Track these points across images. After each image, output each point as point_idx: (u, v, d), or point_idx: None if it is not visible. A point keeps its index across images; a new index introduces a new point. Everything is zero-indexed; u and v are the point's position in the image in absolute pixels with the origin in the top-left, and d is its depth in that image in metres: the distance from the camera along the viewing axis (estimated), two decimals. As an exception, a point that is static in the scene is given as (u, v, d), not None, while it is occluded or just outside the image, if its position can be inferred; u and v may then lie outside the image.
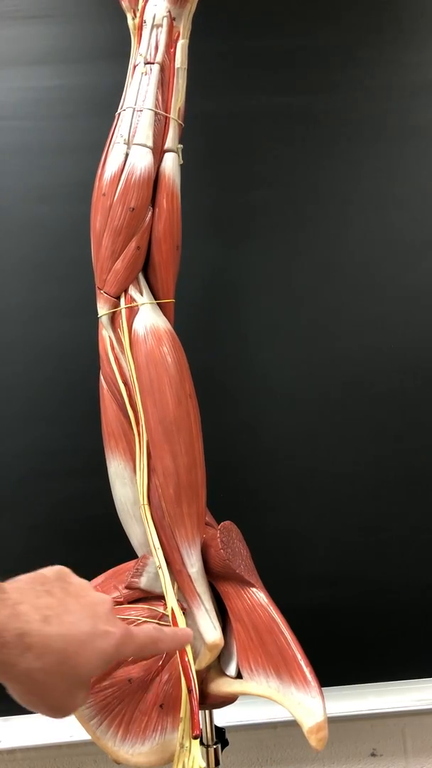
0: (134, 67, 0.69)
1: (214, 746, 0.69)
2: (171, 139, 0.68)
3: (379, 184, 0.96)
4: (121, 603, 0.63)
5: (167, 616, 0.61)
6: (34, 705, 0.41)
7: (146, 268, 0.67)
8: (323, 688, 0.54)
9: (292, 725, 0.54)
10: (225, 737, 0.70)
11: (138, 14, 0.70)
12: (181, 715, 0.57)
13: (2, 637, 0.37)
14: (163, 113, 0.68)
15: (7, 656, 0.38)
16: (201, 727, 0.64)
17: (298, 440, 0.93)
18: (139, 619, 0.62)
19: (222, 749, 0.70)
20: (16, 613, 0.39)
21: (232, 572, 0.60)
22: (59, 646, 0.40)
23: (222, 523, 0.62)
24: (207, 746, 0.69)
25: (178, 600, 0.60)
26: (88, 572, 0.65)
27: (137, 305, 0.65)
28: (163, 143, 0.67)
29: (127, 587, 0.63)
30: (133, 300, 0.65)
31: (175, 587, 0.61)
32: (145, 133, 0.66)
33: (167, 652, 0.56)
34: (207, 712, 0.69)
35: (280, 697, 0.55)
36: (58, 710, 0.42)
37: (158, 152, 0.67)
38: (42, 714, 0.41)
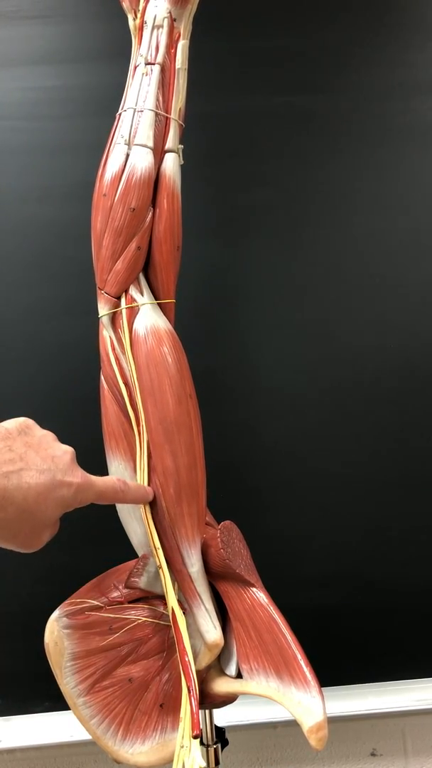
0: (135, 67, 0.69)
1: (214, 746, 0.69)
2: (172, 140, 0.68)
3: (380, 184, 0.96)
4: (121, 602, 0.63)
5: (167, 615, 0.61)
6: (3, 544, 0.46)
7: (147, 268, 0.67)
8: (323, 688, 0.54)
9: (292, 725, 0.54)
10: (225, 737, 0.71)
11: (139, 15, 0.70)
12: (181, 714, 0.57)
13: None
14: (164, 114, 0.68)
15: None
16: (201, 726, 0.64)
17: (299, 440, 0.93)
18: (139, 619, 0.62)
19: (222, 749, 0.70)
20: None
21: (232, 572, 0.60)
22: (19, 498, 0.44)
23: (222, 523, 0.62)
24: (207, 746, 0.69)
25: (178, 600, 0.60)
26: (88, 572, 0.65)
27: (138, 305, 0.65)
28: (164, 144, 0.67)
29: (127, 587, 0.63)
30: (133, 300, 0.65)
31: (176, 587, 0.61)
32: (145, 134, 0.66)
33: (130, 502, 0.61)
34: (207, 711, 0.69)
35: (280, 696, 0.55)
36: (26, 547, 0.48)
37: (159, 153, 0.67)
38: (13, 549, 0.47)
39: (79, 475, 0.50)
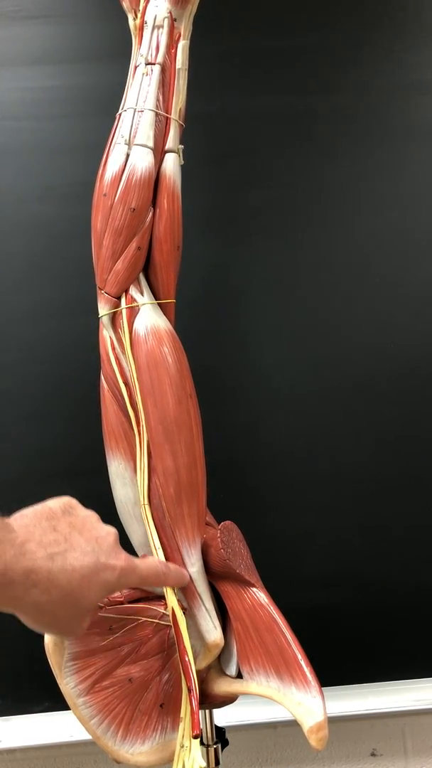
0: (135, 67, 0.69)
1: (214, 746, 0.69)
2: (172, 140, 0.68)
3: (380, 184, 0.96)
4: (121, 602, 0.63)
5: (167, 615, 0.61)
6: (43, 630, 0.45)
7: (147, 268, 0.67)
8: (323, 688, 0.54)
9: (292, 725, 0.54)
10: (225, 737, 0.71)
11: (139, 15, 0.70)
12: (182, 714, 0.57)
13: (10, 575, 0.40)
14: (164, 114, 0.68)
15: (15, 592, 0.41)
16: (201, 726, 0.64)
17: (299, 440, 0.93)
18: (139, 619, 0.62)
19: (222, 749, 0.70)
20: (23, 551, 0.41)
21: (233, 572, 0.60)
22: (63, 581, 0.43)
23: (222, 523, 0.62)
24: (207, 746, 0.69)
25: (178, 599, 0.60)
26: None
27: (138, 305, 0.65)
28: (164, 144, 0.67)
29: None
30: (133, 300, 0.65)
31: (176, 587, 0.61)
32: (146, 134, 0.66)
33: (171, 585, 0.59)
34: (207, 711, 0.69)
35: (280, 696, 0.55)
36: (66, 633, 0.46)
37: (159, 153, 0.67)
38: (54, 635, 0.47)
39: (122, 558, 0.48)
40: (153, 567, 0.52)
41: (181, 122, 0.70)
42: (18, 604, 0.42)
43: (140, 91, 0.67)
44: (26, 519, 0.44)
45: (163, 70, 0.68)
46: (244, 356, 0.94)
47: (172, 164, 0.67)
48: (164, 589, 0.60)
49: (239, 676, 0.60)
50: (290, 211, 0.95)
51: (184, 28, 0.71)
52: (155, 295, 0.67)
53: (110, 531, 0.49)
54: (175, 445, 0.62)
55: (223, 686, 0.61)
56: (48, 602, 0.42)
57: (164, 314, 0.67)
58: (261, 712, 0.91)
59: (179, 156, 0.69)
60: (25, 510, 0.45)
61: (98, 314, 0.67)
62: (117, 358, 0.65)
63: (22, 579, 0.41)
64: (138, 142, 0.66)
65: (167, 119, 0.68)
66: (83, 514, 0.48)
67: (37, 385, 0.91)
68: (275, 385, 0.93)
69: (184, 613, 0.60)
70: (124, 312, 0.65)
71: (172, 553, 0.61)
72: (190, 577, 0.61)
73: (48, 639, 0.61)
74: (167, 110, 0.68)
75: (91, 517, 0.49)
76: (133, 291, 0.66)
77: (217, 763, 0.69)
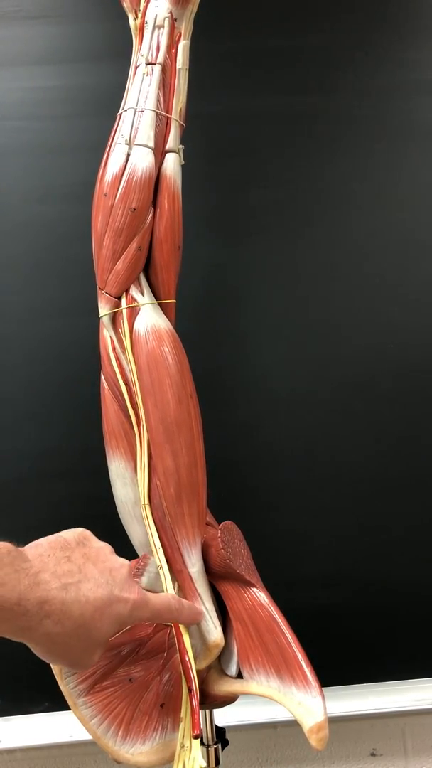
0: (136, 67, 0.69)
1: (215, 746, 0.69)
2: (172, 140, 0.68)
3: (380, 184, 0.96)
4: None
5: (168, 615, 0.61)
6: (53, 661, 0.45)
7: (147, 268, 0.67)
8: (323, 688, 0.54)
9: (292, 725, 0.54)
10: (225, 737, 0.70)
11: (139, 15, 0.70)
12: (182, 714, 0.57)
13: (24, 605, 0.40)
14: (165, 114, 0.68)
15: (28, 622, 0.40)
16: (201, 726, 0.64)
17: (299, 440, 0.93)
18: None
19: (222, 749, 0.70)
20: (37, 582, 0.41)
21: (233, 572, 0.60)
22: (77, 613, 0.42)
23: (222, 523, 0.62)
24: (207, 746, 0.69)
25: (178, 600, 0.60)
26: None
27: (138, 305, 0.65)
28: (165, 144, 0.67)
29: (127, 587, 0.63)
30: (134, 300, 0.65)
31: (176, 587, 0.61)
32: (146, 134, 0.66)
33: (183, 623, 0.58)
34: (207, 711, 0.69)
35: (280, 696, 0.55)
36: (76, 665, 0.46)
37: (159, 153, 0.67)
38: (63, 667, 0.47)
39: (135, 591, 0.48)
40: (165, 602, 0.52)
41: (181, 122, 0.70)
42: (31, 635, 0.41)
43: (141, 91, 0.67)
44: (41, 549, 0.44)
45: (163, 70, 0.68)
46: (244, 356, 0.94)
47: (172, 164, 0.67)
48: (165, 589, 0.60)
49: (239, 676, 0.60)
50: (290, 211, 0.95)
51: (185, 28, 0.71)
52: (155, 295, 0.67)
53: (124, 563, 0.49)
54: (175, 445, 0.62)
55: (223, 686, 0.61)
56: (60, 633, 0.42)
57: (165, 314, 0.67)
58: (261, 712, 0.91)
59: (180, 156, 0.69)
60: (39, 540, 0.45)
61: (99, 314, 0.67)
62: (117, 358, 0.65)
63: (36, 609, 0.41)
64: (138, 142, 0.66)
65: (168, 119, 0.68)
66: (97, 545, 0.48)
67: (38, 385, 0.91)
68: (275, 385, 0.93)
69: (184, 613, 0.60)
70: (124, 312, 0.65)
71: (172, 553, 0.61)
72: (191, 576, 0.61)
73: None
74: (168, 110, 0.68)
75: (105, 548, 0.48)
76: (133, 291, 0.66)
77: (217, 763, 0.69)
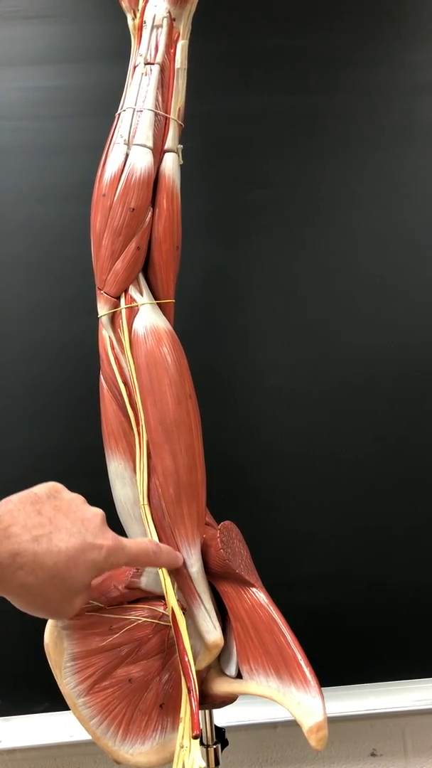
0: (134, 67, 0.69)
1: (214, 746, 0.69)
2: (171, 140, 0.68)
3: (380, 184, 0.96)
4: (121, 603, 0.63)
5: (167, 615, 0.61)
6: (35, 612, 0.45)
7: (146, 268, 0.67)
8: (323, 688, 0.54)
9: (292, 725, 0.54)
10: (225, 737, 0.71)
11: (138, 15, 0.70)
12: (181, 714, 0.57)
13: None
14: (163, 114, 0.68)
15: (2, 575, 0.42)
16: (201, 727, 0.64)
17: (299, 440, 0.93)
18: (139, 620, 0.62)
19: (222, 749, 0.70)
20: (7, 535, 0.43)
21: (232, 572, 0.60)
22: (49, 563, 0.43)
23: (222, 523, 0.62)
24: (207, 746, 0.69)
25: (178, 600, 0.60)
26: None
27: (137, 305, 0.65)
28: (163, 144, 0.67)
29: (127, 587, 0.63)
30: (133, 300, 0.65)
31: (175, 587, 0.61)
32: (145, 134, 0.66)
33: (162, 566, 0.59)
34: (207, 712, 0.69)
35: (280, 696, 0.55)
36: (58, 614, 0.47)
37: (158, 153, 0.67)
38: (46, 617, 0.47)
39: (109, 538, 0.49)
40: (143, 546, 0.53)
41: (180, 122, 0.70)
42: (7, 587, 0.43)
43: (139, 91, 0.67)
44: (10, 504, 0.45)
45: (162, 70, 0.68)
46: (243, 356, 0.94)
47: (171, 164, 0.67)
48: (164, 590, 0.60)
49: (239, 676, 0.60)
50: (290, 211, 0.95)
51: (183, 28, 0.71)
52: (154, 295, 0.67)
53: (96, 512, 0.49)
54: (174, 445, 0.62)
55: (222, 686, 0.61)
56: (35, 584, 0.43)
57: (164, 314, 0.66)
58: (261, 712, 0.91)
59: (178, 156, 0.69)
60: (9, 497, 0.46)
61: (97, 314, 0.67)
62: (116, 358, 0.65)
63: (8, 562, 0.42)
64: (137, 141, 0.66)
65: (166, 119, 0.68)
66: (69, 497, 0.49)
67: (36, 384, 0.91)
68: (275, 384, 0.93)
69: (183, 613, 0.60)
70: (123, 312, 0.65)
71: (171, 553, 0.61)
72: (190, 577, 0.61)
73: (48, 639, 0.61)
74: (166, 110, 0.68)
75: (76, 499, 0.49)
76: (132, 291, 0.66)
77: (217, 763, 0.69)
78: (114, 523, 0.65)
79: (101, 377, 0.67)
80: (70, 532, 0.46)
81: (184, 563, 0.61)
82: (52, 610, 0.46)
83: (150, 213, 0.66)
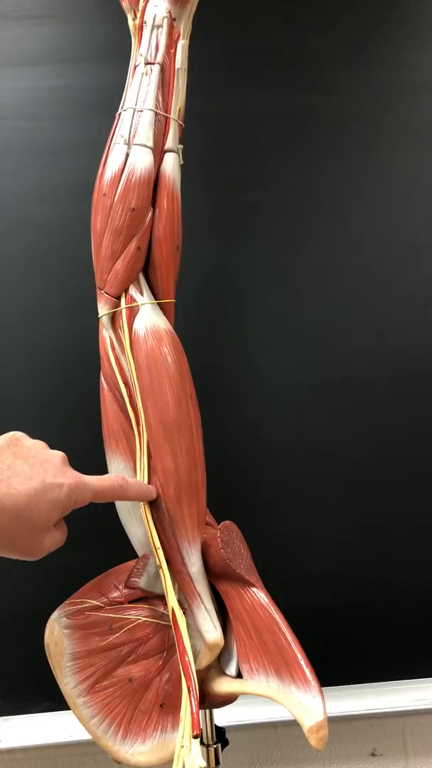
0: (134, 67, 0.69)
1: (215, 746, 0.69)
2: (171, 140, 0.68)
3: (380, 184, 0.96)
4: (121, 602, 0.63)
5: (167, 615, 0.61)
6: (5, 552, 0.47)
7: (146, 268, 0.67)
8: (323, 688, 0.54)
9: (292, 725, 0.54)
10: (225, 737, 0.71)
11: (138, 15, 0.70)
12: (182, 714, 0.57)
13: None
14: (164, 114, 0.68)
15: None
16: (201, 726, 0.64)
17: (299, 440, 0.93)
18: (139, 619, 0.62)
19: (222, 749, 0.70)
20: None
21: (233, 572, 0.60)
22: (10, 504, 0.45)
23: (222, 523, 0.62)
24: (207, 746, 0.69)
25: (178, 600, 0.60)
26: (88, 572, 0.65)
27: (138, 305, 0.65)
28: (164, 143, 0.67)
29: (127, 587, 0.63)
30: (133, 300, 0.65)
31: (176, 587, 0.61)
32: (145, 134, 0.66)
33: (133, 500, 0.61)
34: (207, 711, 0.69)
35: (280, 696, 0.55)
36: (28, 553, 0.48)
37: (158, 152, 0.67)
38: (17, 557, 0.48)
39: (70, 476, 0.50)
40: (108, 481, 0.54)
41: (180, 122, 0.70)
42: None
43: (140, 91, 0.67)
44: None
45: (162, 70, 0.68)
46: (243, 356, 0.94)
47: (171, 164, 0.67)
48: (164, 589, 0.60)
49: (239, 676, 0.60)
50: (290, 211, 0.95)
51: (184, 28, 0.71)
52: (155, 295, 0.67)
53: (56, 454, 0.51)
54: (175, 446, 0.62)
55: (223, 686, 0.61)
56: None
57: (164, 314, 0.66)
58: (261, 712, 0.91)
59: (179, 156, 0.69)
60: None
61: (98, 314, 0.67)
62: (117, 358, 0.65)
63: None
64: (137, 141, 0.66)
65: (167, 119, 0.68)
66: (28, 443, 0.50)
67: (37, 385, 0.91)
68: (275, 384, 0.93)
69: (184, 613, 0.60)
70: (123, 312, 0.65)
71: (172, 553, 0.61)
72: (191, 576, 0.61)
73: (48, 639, 0.61)
74: (167, 110, 0.68)
75: (36, 445, 0.51)
76: (132, 291, 0.66)
77: (217, 763, 0.69)
78: (114, 522, 0.66)
79: (101, 377, 0.67)
80: (29, 475, 0.47)
81: (184, 563, 0.61)
82: (21, 549, 0.48)
83: (150, 213, 0.66)
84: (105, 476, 0.55)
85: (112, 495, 0.55)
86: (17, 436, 0.50)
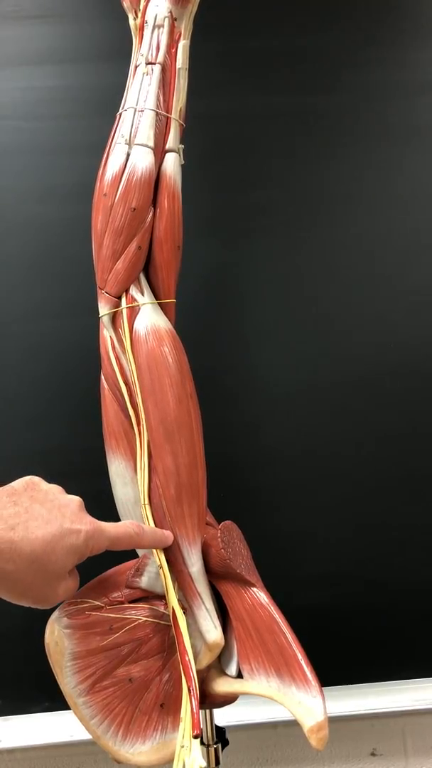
0: (135, 67, 0.69)
1: (215, 746, 0.69)
2: (172, 140, 0.68)
3: (380, 184, 0.96)
4: (121, 602, 0.63)
5: (168, 615, 0.61)
6: (17, 599, 0.46)
7: (147, 268, 0.67)
8: (323, 688, 0.54)
9: (293, 725, 0.54)
10: (225, 737, 0.71)
11: (139, 14, 0.70)
12: (182, 714, 0.57)
13: None
14: (165, 113, 0.68)
15: None
16: (201, 726, 0.64)
17: (299, 440, 0.93)
18: (140, 619, 0.62)
19: (222, 749, 0.70)
20: None
21: (233, 572, 0.60)
22: (27, 550, 0.44)
23: (222, 523, 0.62)
24: (207, 746, 0.69)
25: (178, 599, 0.60)
26: (88, 571, 0.65)
27: (138, 305, 0.65)
28: (165, 143, 0.67)
29: (127, 587, 0.63)
30: (134, 300, 0.65)
31: (176, 587, 0.61)
32: (146, 134, 0.66)
33: (148, 547, 0.60)
34: (207, 711, 0.69)
35: (280, 696, 0.55)
36: (41, 601, 0.47)
37: (159, 152, 0.67)
38: (29, 605, 0.47)
39: (87, 522, 0.50)
40: (123, 529, 0.53)
41: (181, 122, 0.70)
42: None
43: (140, 91, 0.67)
44: None
45: (163, 70, 0.68)
46: (244, 356, 0.94)
47: (172, 164, 0.67)
48: (165, 589, 0.60)
49: (239, 675, 0.60)
50: (290, 211, 0.95)
51: (185, 28, 0.71)
52: (155, 294, 0.67)
53: (73, 499, 0.51)
54: (175, 445, 0.62)
55: (223, 686, 0.61)
56: (14, 570, 0.44)
57: (165, 314, 0.66)
58: (261, 712, 0.91)
59: (180, 156, 0.69)
60: None
61: (98, 314, 0.67)
62: (117, 358, 0.65)
63: None
64: (138, 141, 0.66)
65: (167, 119, 0.68)
66: (45, 488, 0.50)
67: (37, 385, 0.91)
68: (275, 384, 0.93)
69: (184, 612, 0.60)
70: (124, 312, 0.65)
71: (172, 553, 0.61)
72: (191, 576, 0.61)
73: (48, 639, 0.61)
74: (168, 110, 0.68)
75: (53, 489, 0.50)
76: (133, 291, 0.66)
77: (217, 763, 0.69)
78: (115, 521, 0.65)
79: (102, 377, 0.67)
80: (46, 520, 0.46)
81: (185, 563, 0.61)
82: (35, 597, 0.47)
83: (151, 213, 0.66)
84: (121, 523, 0.54)
85: (128, 542, 0.54)
86: (34, 481, 0.50)
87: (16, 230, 0.93)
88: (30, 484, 0.49)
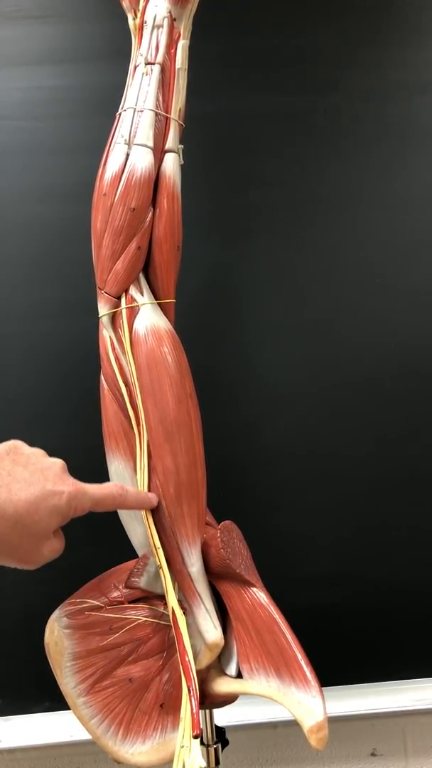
0: (135, 67, 0.69)
1: (215, 746, 0.69)
2: (171, 140, 0.68)
3: (380, 184, 0.96)
4: (121, 602, 0.63)
5: (167, 615, 0.61)
6: (3, 560, 0.47)
7: (147, 268, 0.67)
8: (323, 688, 0.54)
9: (292, 725, 0.54)
10: (225, 737, 0.71)
11: (139, 15, 0.70)
12: (182, 714, 0.57)
13: None
14: (164, 114, 0.68)
15: None
16: (201, 726, 0.64)
17: (299, 440, 0.93)
18: (139, 619, 0.62)
19: (222, 749, 0.70)
20: None
21: (233, 572, 0.60)
22: (10, 511, 0.45)
23: (222, 523, 0.62)
24: (207, 746, 0.69)
25: (178, 599, 0.60)
26: (88, 572, 0.65)
27: (138, 305, 0.65)
28: (164, 143, 0.67)
29: (127, 587, 0.63)
30: (133, 300, 0.65)
31: (176, 587, 0.61)
32: (145, 134, 0.66)
33: (132, 509, 0.61)
34: (207, 711, 0.69)
35: (280, 696, 0.55)
36: (27, 562, 0.48)
37: (159, 152, 0.67)
38: (15, 565, 0.48)
39: (70, 483, 0.50)
40: (107, 490, 0.54)
41: (180, 122, 0.70)
42: None
43: (140, 91, 0.67)
44: None
45: (162, 70, 0.68)
46: (244, 356, 0.94)
47: (171, 164, 0.67)
48: (164, 589, 0.60)
49: (239, 675, 0.60)
50: (290, 211, 0.95)
51: (184, 28, 0.71)
52: (155, 294, 0.67)
53: (56, 461, 0.51)
54: (175, 445, 0.62)
55: (223, 686, 0.61)
56: None
57: (164, 314, 0.66)
58: (261, 712, 0.91)
59: (179, 156, 0.69)
60: None
61: (98, 314, 0.67)
62: (117, 358, 0.65)
63: None
64: (138, 141, 0.66)
65: (167, 119, 0.68)
66: (28, 451, 0.50)
67: (37, 385, 0.91)
68: (275, 384, 0.93)
69: (184, 612, 0.60)
70: (124, 312, 0.65)
71: (172, 553, 0.61)
72: (191, 576, 0.61)
73: (48, 639, 0.61)
74: (167, 110, 0.68)
75: (35, 453, 0.51)
76: (133, 291, 0.66)
77: (217, 762, 0.69)
78: (114, 522, 0.66)
79: (102, 377, 0.67)
80: (28, 482, 0.47)
81: (184, 563, 0.61)
82: (20, 557, 0.48)
83: (150, 213, 0.66)
84: (104, 484, 0.55)
85: (111, 503, 0.55)
86: (17, 444, 0.50)
87: (16, 230, 0.93)
88: (12, 447, 0.50)
